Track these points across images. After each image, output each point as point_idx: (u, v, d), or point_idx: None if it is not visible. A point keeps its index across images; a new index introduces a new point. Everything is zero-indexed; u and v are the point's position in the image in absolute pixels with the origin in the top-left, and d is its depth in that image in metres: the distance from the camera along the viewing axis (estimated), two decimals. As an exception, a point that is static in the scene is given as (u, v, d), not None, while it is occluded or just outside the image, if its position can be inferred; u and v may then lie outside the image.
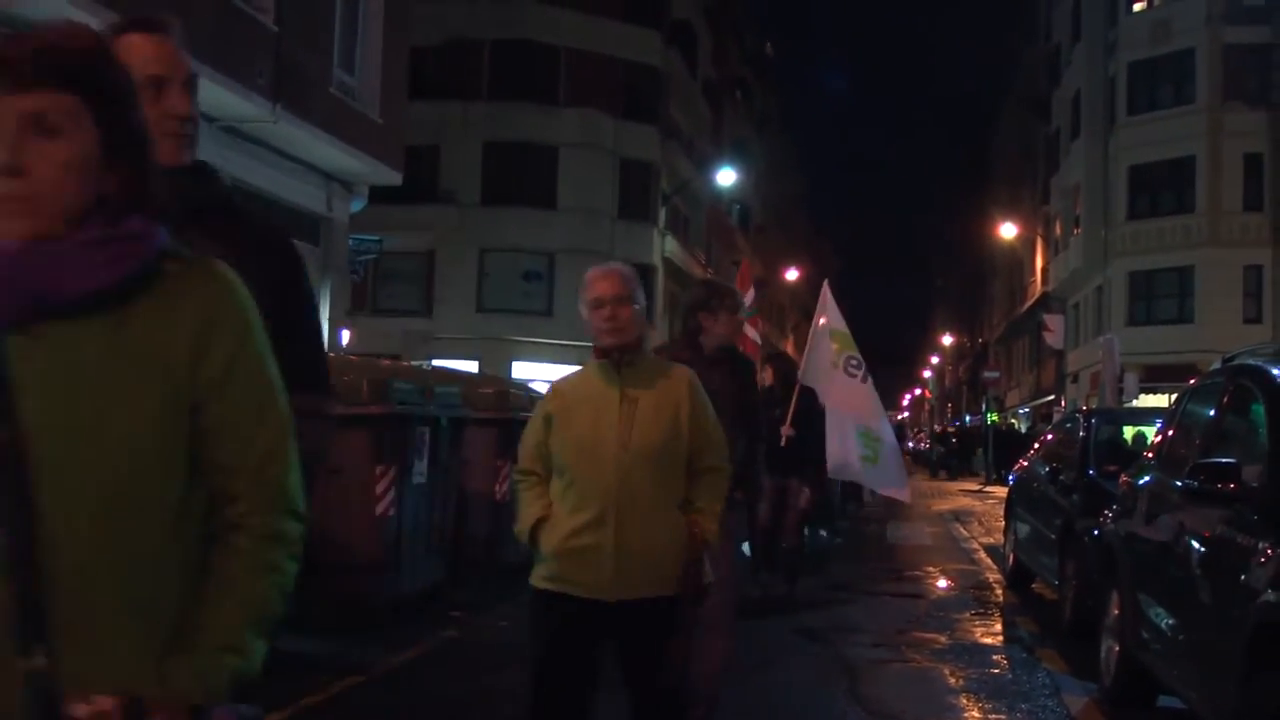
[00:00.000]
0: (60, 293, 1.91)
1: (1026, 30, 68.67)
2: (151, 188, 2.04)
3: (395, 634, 9.54)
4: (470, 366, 32.42)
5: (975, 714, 7.95)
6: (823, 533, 16.70)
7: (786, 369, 13.13)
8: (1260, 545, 5.44)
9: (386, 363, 16.34)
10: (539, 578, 4.71)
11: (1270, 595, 5.09)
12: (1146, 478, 8.28)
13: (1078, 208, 51.97)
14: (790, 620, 11.00)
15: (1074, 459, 12.50)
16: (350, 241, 25.94)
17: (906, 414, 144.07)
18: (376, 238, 28.23)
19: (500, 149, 41.60)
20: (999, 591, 14.23)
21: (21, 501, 1.85)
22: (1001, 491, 24.57)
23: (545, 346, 39.73)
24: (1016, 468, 16.76)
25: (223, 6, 17.82)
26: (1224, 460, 6.18)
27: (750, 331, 16.87)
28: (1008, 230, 57.12)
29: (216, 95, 18.04)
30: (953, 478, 50.35)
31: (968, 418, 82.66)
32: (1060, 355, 57.20)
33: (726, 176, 48.94)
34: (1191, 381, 9.01)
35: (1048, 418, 51.99)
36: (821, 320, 12.69)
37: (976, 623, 11.84)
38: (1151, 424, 11.75)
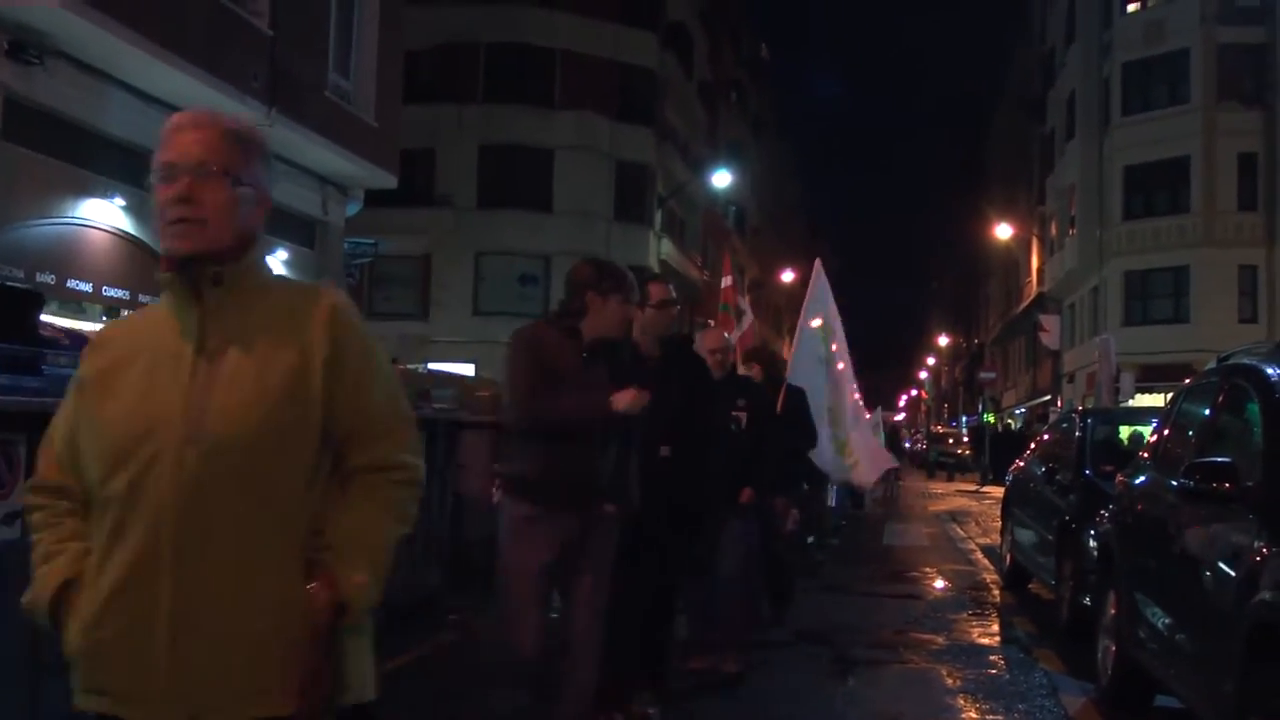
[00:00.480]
0: None
1: (1021, 31, 68.77)
2: None
3: (391, 640, 9.51)
4: (467, 370, 32.42)
5: (973, 714, 7.95)
6: (809, 539, 16.55)
7: (773, 365, 11.87)
8: (1256, 544, 5.44)
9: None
10: (79, 691, 2.73)
11: (1266, 594, 5.09)
12: (1142, 477, 8.29)
13: (1073, 208, 52.04)
14: (787, 621, 10.99)
15: (1070, 459, 12.50)
16: (345, 245, 25.96)
17: (903, 414, 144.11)
18: (372, 241, 28.22)
19: (495, 152, 41.58)
20: (996, 592, 14.24)
21: None
22: (998, 492, 24.58)
23: (542, 349, 39.61)
24: (1013, 468, 16.77)
25: (217, 10, 17.84)
26: (1219, 459, 6.18)
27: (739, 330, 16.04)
28: (1003, 231, 57.18)
29: (212, 99, 18.05)
30: (951, 479, 50.30)
31: (964, 419, 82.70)
32: (1056, 355, 57.26)
33: (722, 179, 48.90)
34: (1187, 381, 9.02)
35: (1044, 418, 52.02)
36: (815, 322, 12.64)
37: (974, 623, 11.84)
38: (1147, 424, 11.75)
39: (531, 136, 42.07)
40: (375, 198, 26.14)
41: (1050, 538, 12.18)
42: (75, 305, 17.56)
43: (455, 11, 40.94)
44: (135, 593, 2.58)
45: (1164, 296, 45.51)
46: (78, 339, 6.54)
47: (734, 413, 8.95)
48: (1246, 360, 7.08)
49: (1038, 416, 57.71)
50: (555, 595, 6.03)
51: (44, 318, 6.35)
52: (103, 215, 17.67)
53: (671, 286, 7.23)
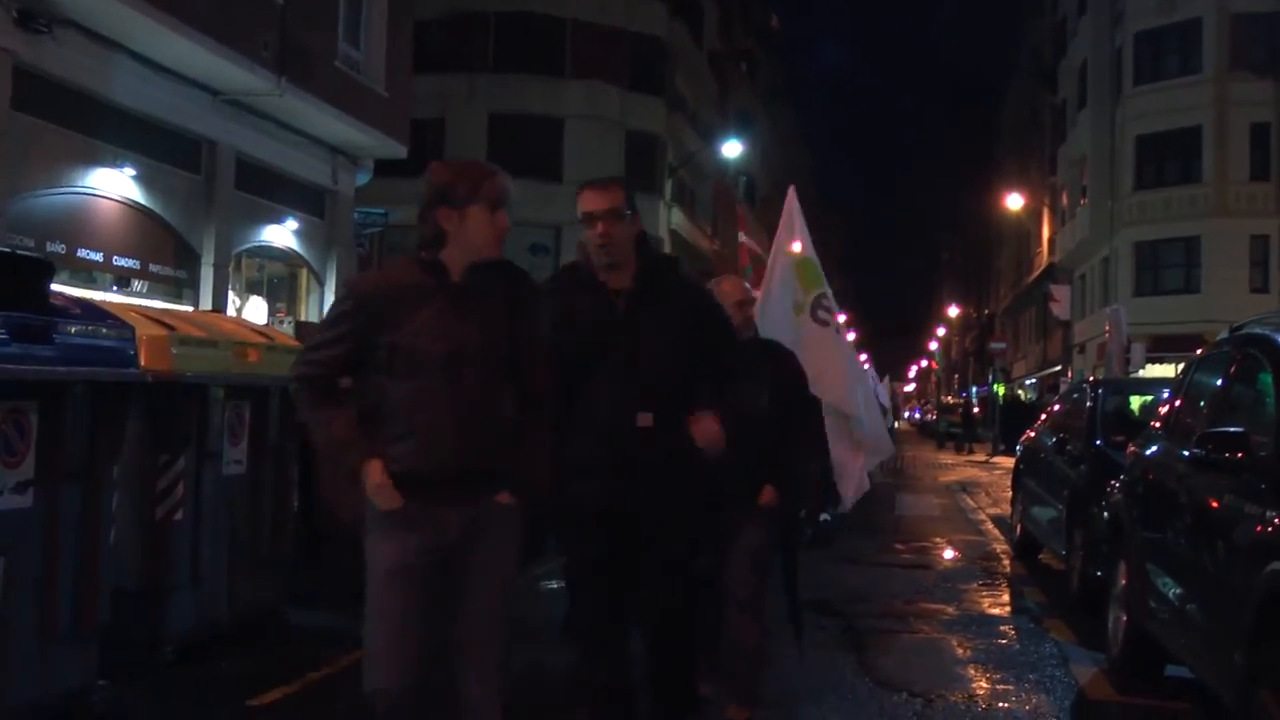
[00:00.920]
0: None
1: (1033, 1, 68.41)
2: None
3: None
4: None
5: (983, 684, 7.96)
6: (825, 516, 16.53)
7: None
8: (1268, 514, 5.42)
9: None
10: None
11: (1278, 564, 5.08)
12: (1154, 447, 8.26)
13: (1084, 178, 51.88)
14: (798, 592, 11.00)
15: (1081, 429, 12.47)
16: (355, 215, 25.96)
17: (914, 385, 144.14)
18: (382, 210, 28.22)
19: (506, 121, 41.49)
20: (1006, 562, 14.24)
21: None
22: (1008, 462, 24.57)
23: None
24: (1024, 439, 16.75)
25: (227, -21, 17.78)
26: (1232, 429, 6.16)
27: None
28: (1014, 201, 56.99)
29: (222, 68, 18.07)
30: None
31: (974, 389, 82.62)
32: (1067, 326, 57.17)
33: (732, 149, 48.82)
34: (1199, 351, 8.99)
35: (1055, 388, 51.94)
36: (795, 245, 10.60)
37: (984, 593, 11.85)
38: (1159, 394, 11.72)
39: (541, 106, 41.97)
40: (385, 168, 26.12)
41: (1061, 508, 12.16)
42: (86, 275, 17.56)
43: (465, -19, 40.88)
44: None
45: (1175, 267, 45.40)
46: (88, 308, 6.54)
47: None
48: (1259, 330, 7.05)
49: (1048, 387, 57.67)
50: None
51: (54, 287, 6.34)
52: (113, 185, 17.66)
53: (614, 190, 5.21)
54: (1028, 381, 68.88)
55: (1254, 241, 43.43)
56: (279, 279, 24.23)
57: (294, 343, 9.49)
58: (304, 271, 24.18)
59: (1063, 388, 40.97)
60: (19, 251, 7.10)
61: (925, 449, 51.57)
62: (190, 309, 17.73)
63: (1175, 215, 44.78)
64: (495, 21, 42.20)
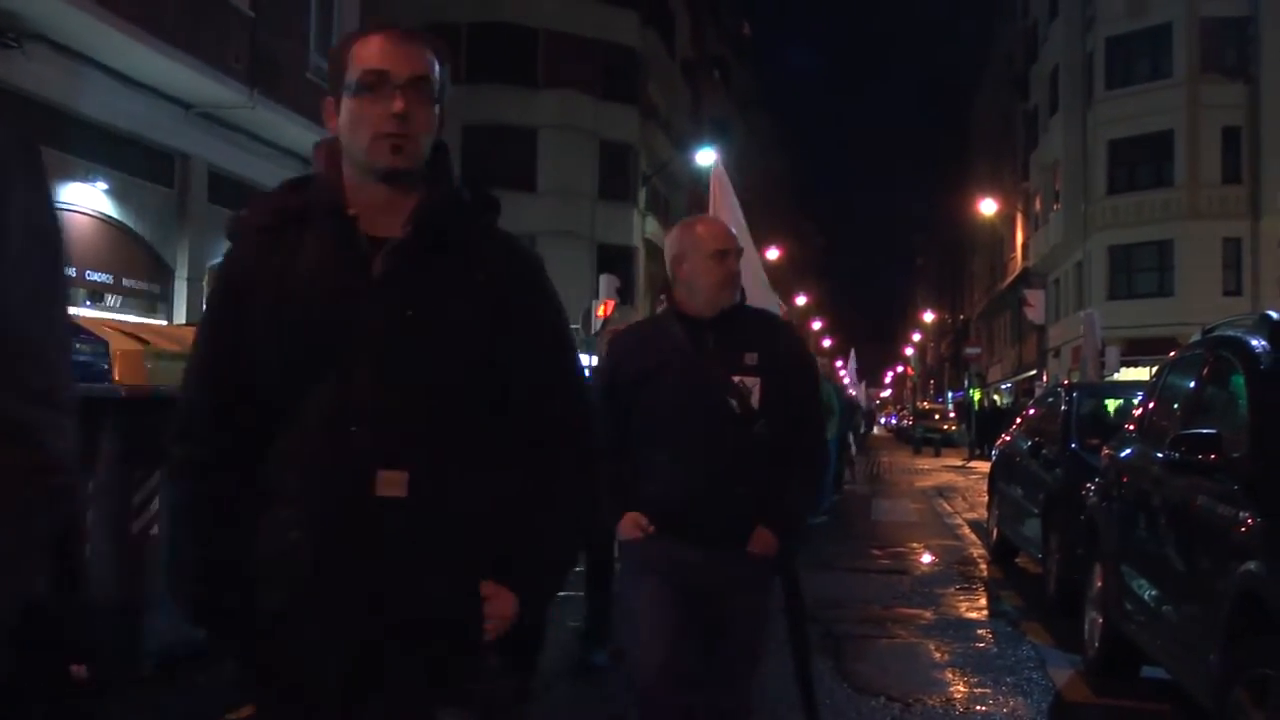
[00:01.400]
0: None
1: (1003, 6, 68.67)
2: None
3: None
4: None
5: (961, 688, 7.98)
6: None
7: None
8: (1241, 515, 5.46)
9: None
10: None
11: (1251, 565, 5.11)
12: (1128, 450, 8.30)
13: (1057, 183, 52.03)
14: (774, 598, 11.00)
15: (1056, 433, 12.53)
16: (330, 227, 25.90)
17: (889, 391, 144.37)
18: (356, 222, 28.15)
19: (479, 132, 41.43)
20: (983, 566, 14.28)
21: None
22: (985, 467, 24.63)
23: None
24: (999, 443, 16.80)
25: (198, -8, 17.74)
26: (1205, 431, 6.20)
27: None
28: (988, 206, 57.11)
29: (193, 81, 18.01)
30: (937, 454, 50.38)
31: (950, 394, 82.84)
32: (1041, 330, 57.22)
33: (706, 157, 48.67)
34: (1172, 354, 9.03)
35: (1030, 393, 52.07)
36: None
37: (961, 598, 11.88)
38: (1133, 397, 11.78)
39: (515, 116, 41.96)
40: (359, 179, 26.08)
41: (1037, 511, 12.21)
42: (59, 290, 17.47)
43: (437, -9, 40.87)
44: None
45: (1148, 270, 45.57)
46: (61, 323, 6.52)
47: (737, 377, 4.51)
48: (1231, 332, 7.09)
49: (1023, 391, 57.80)
50: None
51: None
52: (84, 199, 17.59)
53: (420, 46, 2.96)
54: (1003, 386, 69.03)
55: (1226, 244, 43.61)
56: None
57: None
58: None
59: (1038, 392, 41.15)
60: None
61: (901, 454, 51.63)
62: (164, 323, 17.67)
63: (1148, 219, 44.96)
64: (467, 32, 42.17)
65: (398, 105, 2.71)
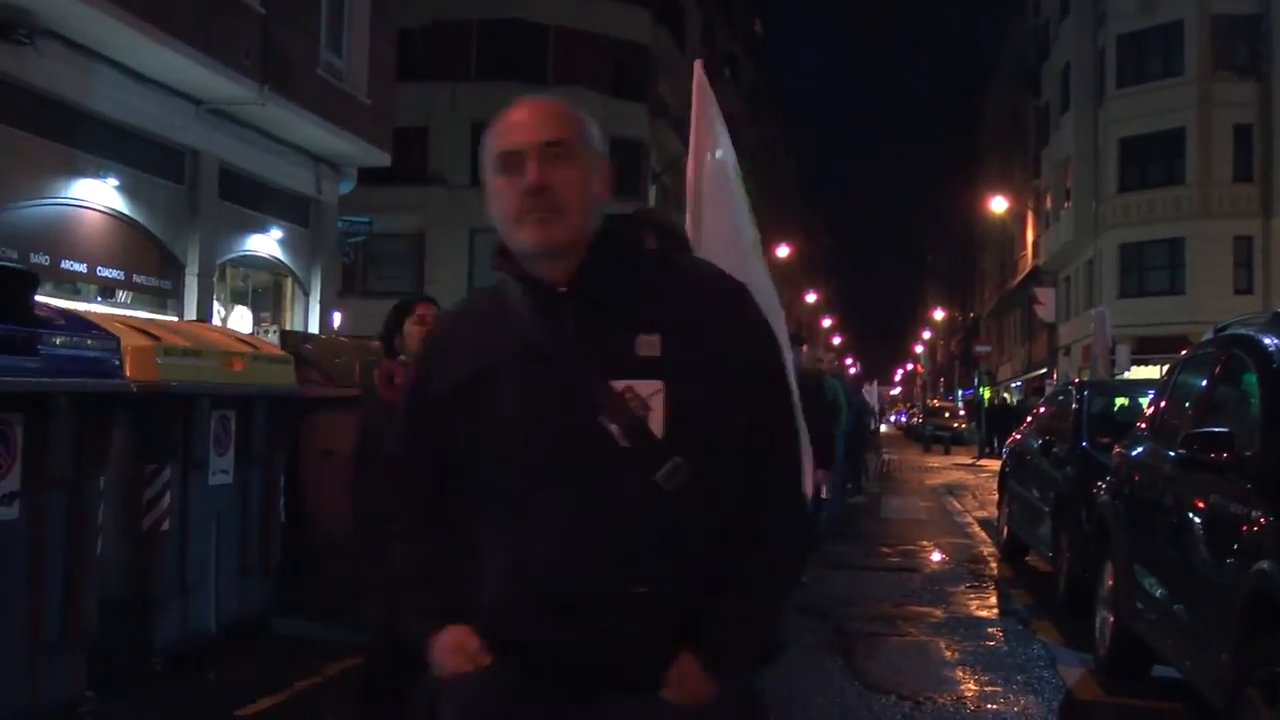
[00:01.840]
0: None
1: (1015, 4, 68.56)
2: None
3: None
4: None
5: (971, 686, 7.96)
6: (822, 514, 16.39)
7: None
8: (1254, 514, 5.44)
9: (378, 344, 16.28)
10: None
11: (1264, 564, 5.09)
12: (1139, 449, 8.28)
13: (1068, 181, 51.95)
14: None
15: (1067, 431, 12.50)
16: (339, 223, 25.92)
17: (900, 389, 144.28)
18: (366, 219, 28.16)
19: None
20: (993, 565, 14.26)
21: None
22: (995, 465, 24.61)
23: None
24: (1010, 441, 16.77)
25: (209, -11, 17.76)
26: (1217, 430, 6.18)
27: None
28: (998, 204, 57.04)
29: (204, 78, 18.02)
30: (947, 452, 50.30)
31: (960, 392, 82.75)
32: (1052, 328, 57.24)
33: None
34: (1183, 352, 9.01)
35: (1040, 391, 52.03)
36: (719, 151, 7.40)
37: (971, 596, 11.86)
38: (1144, 395, 11.76)
39: (525, 114, 41.90)
40: (369, 176, 26.07)
41: (1047, 510, 12.18)
42: (70, 286, 17.49)
43: (447, -12, 40.91)
44: None
45: (1159, 268, 45.47)
46: (73, 319, 6.53)
47: (619, 383, 2.73)
48: (1243, 331, 7.07)
49: (1034, 390, 57.74)
50: None
51: (39, 298, 6.32)
52: (96, 195, 17.60)
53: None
54: (1013, 384, 68.95)
55: (1238, 243, 43.50)
56: (263, 288, 24.17)
57: (279, 352, 9.49)
58: (289, 280, 24.11)
59: (1048, 390, 41.11)
60: (2, 264, 7.09)
61: (911, 452, 51.57)
62: (175, 319, 17.68)
63: (1159, 217, 44.86)
64: (478, 29, 42.21)
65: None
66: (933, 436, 55.70)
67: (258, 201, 21.89)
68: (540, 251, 2.48)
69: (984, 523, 18.62)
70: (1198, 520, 6.31)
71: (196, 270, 19.65)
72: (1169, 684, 7.52)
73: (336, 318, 26.15)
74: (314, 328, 23.33)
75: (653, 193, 46.76)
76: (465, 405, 2.56)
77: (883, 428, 51.68)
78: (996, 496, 16.57)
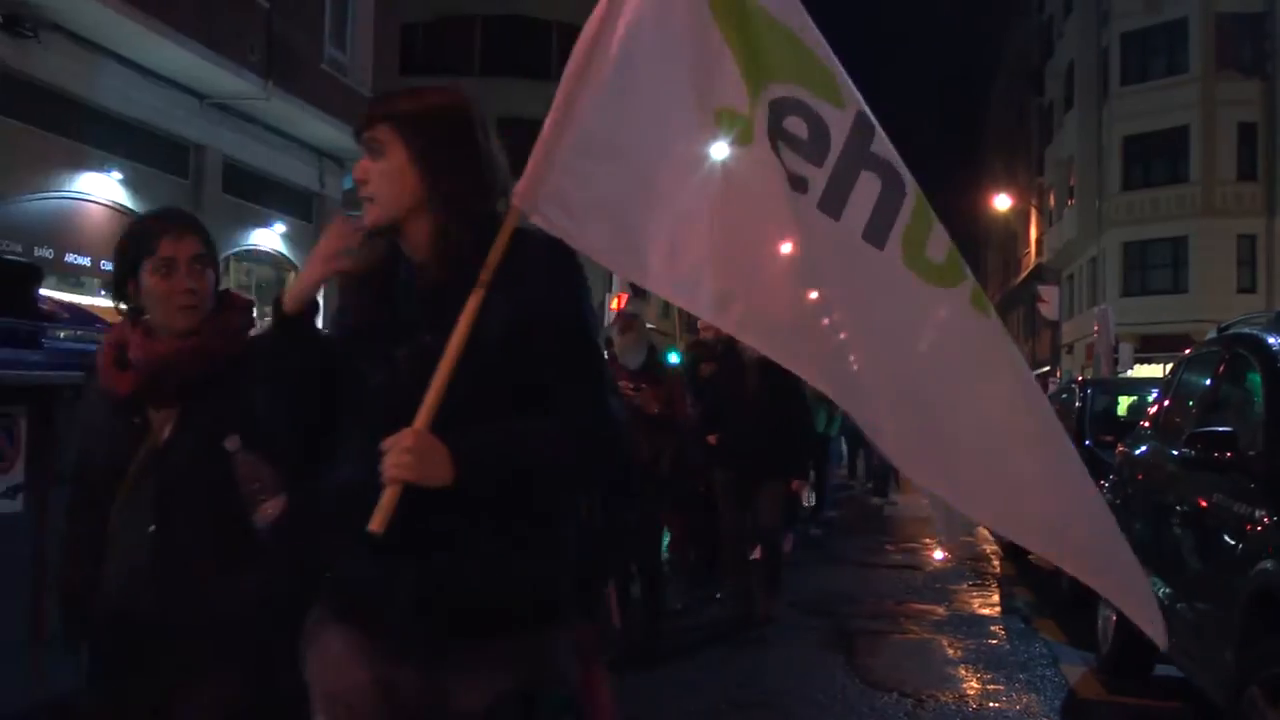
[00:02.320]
0: None
1: (1019, 3, 68.50)
2: None
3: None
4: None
5: (974, 684, 7.97)
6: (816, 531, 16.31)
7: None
8: (1257, 513, 5.44)
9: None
10: None
11: (1267, 563, 5.09)
12: (1143, 447, 8.29)
13: (1072, 179, 51.90)
14: (787, 593, 11.00)
15: (1070, 429, 12.47)
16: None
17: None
18: (370, 214, 28.15)
19: (492, 125, 41.53)
20: (996, 563, 14.26)
21: None
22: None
23: (540, 322, 39.81)
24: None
25: (213, -17, 17.78)
26: (1220, 429, 6.18)
27: None
28: (1002, 202, 56.98)
29: (208, 72, 18.04)
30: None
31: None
32: (1055, 326, 57.19)
33: (719, 150, 48.84)
34: (1187, 351, 9.01)
35: (1043, 389, 51.94)
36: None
37: (974, 594, 11.86)
38: (1147, 394, 11.75)
39: (528, 109, 41.44)
40: (372, 171, 26.10)
41: (1050, 508, 12.16)
42: (74, 279, 17.52)
43: (451, -16, 40.93)
44: None
45: (1163, 267, 45.40)
46: (77, 313, 6.54)
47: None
48: (1247, 329, 7.07)
49: (1037, 388, 57.66)
50: None
51: (43, 292, 6.33)
52: (100, 189, 17.62)
53: None
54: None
55: (1241, 241, 43.43)
56: (267, 283, 24.19)
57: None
58: (292, 275, 24.13)
59: (1051, 388, 41.09)
60: (6, 257, 7.11)
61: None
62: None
63: (1163, 215, 44.80)
64: (482, 24, 42.21)
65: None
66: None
67: (261, 196, 21.92)
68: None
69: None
70: (1201, 519, 6.31)
71: (200, 265, 19.67)
72: (1171, 683, 7.52)
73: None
74: (318, 323, 23.36)
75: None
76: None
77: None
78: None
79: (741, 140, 3.15)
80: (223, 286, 3.73)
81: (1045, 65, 58.23)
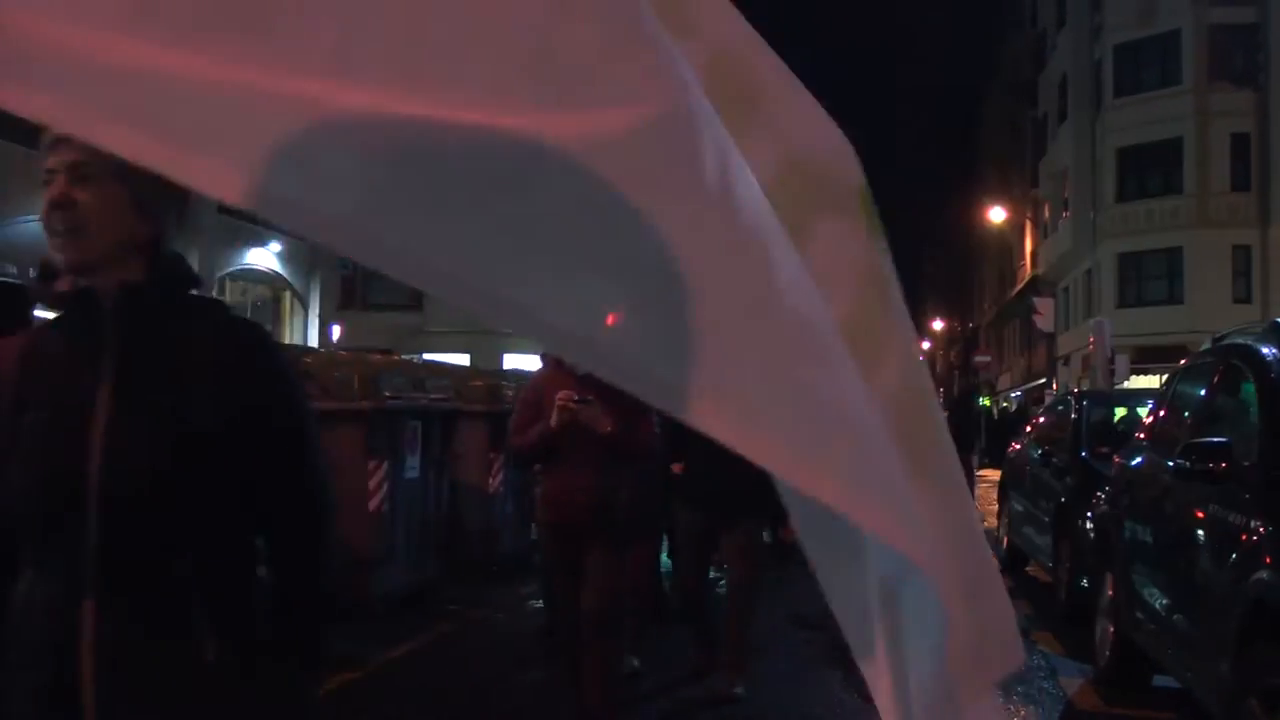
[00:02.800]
0: None
1: (1012, 15, 68.68)
2: None
3: (390, 629, 9.52)
4: (462, 360, 32.39)
5: (971, 697, 7.95)
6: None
7: None
8: (1252, 524, 5.44)
9: (377, 357, 16.33)
10: None
11: (1263, 573, 5.09)
12: (1139, 458, 8.29)
13: (1066, 191, 52.02)
14: (782, 607, 10.98)
15: (1066, 441, 12.49)
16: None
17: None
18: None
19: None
20: (993, 575, 14.23)
21: None
22: (994, 475, 24.59)
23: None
24: (1009, 451, 16.78)
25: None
26: (1216, 440, 6.19)
27: None
28: (996, 214, 57.12)
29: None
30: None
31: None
32: (1051, 338, 57.24)
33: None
34: (1182, 362, 9.02)
35: (1040, 401, 52.01)
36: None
37: (971, 606, 11.83)
38: (1143, 405, 11.76)
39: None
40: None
41: (1047, 520, 12.17)
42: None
43: None
44: None
45: (1158, 278, 45.47)
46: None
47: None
48: (1241, 340, 7.07)
49: (1033, 400, 57.74)
50: None
51: (38, 313, 6.35)
52: (95, 210, 17.64)
53: None
54: (1013, 394, 68.94)
55: (1236, 252, 43.51)
56: (263, 301, 24.22)
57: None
58: (287, 294, 24.18)
59: (1048, 400, 41.10)
60: (2, 279, 7.10)
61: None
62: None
63: (1157, 227, 44.88)
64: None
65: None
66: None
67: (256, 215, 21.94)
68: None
69: (984, 533, 18.59)
70: (1197, 530, 6.32)
71: (196, 284, 19.67)
72: (1169, 694, 7.52)
73: (335, 331, 26.18)
74: (313, 341, 23.35)
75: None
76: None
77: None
78: (996, 506, 16.56)
79: None
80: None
81: (1038, 78, 58.40)
